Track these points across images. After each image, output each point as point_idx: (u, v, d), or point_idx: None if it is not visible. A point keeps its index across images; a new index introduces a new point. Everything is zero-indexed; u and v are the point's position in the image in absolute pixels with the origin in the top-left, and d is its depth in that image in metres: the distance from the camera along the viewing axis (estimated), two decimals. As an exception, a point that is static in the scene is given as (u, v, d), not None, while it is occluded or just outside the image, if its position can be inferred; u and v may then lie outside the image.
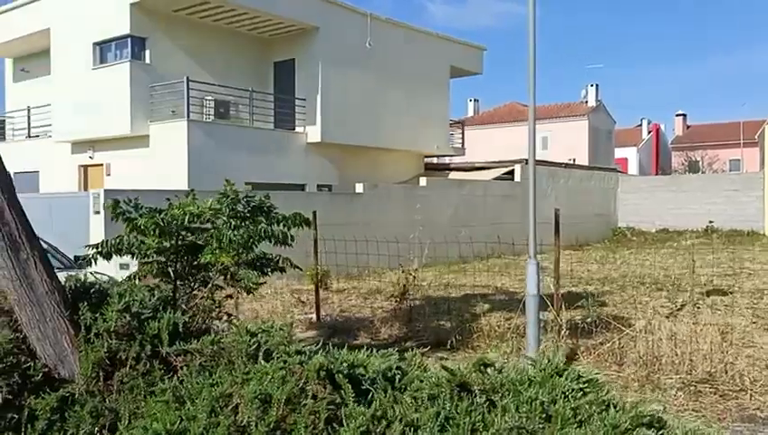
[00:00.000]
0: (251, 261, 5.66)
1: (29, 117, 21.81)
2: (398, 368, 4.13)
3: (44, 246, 8.73)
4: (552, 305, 7.38)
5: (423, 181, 19.40)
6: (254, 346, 4.55)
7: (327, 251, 11.86)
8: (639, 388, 6.17)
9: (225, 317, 6.55)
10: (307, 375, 3.87)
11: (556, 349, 7.22)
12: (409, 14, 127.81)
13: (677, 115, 64.65)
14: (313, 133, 19.81)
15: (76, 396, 4.49)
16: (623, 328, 7.22)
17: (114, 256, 5.86)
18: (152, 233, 5.73)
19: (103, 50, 18.57)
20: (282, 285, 12.45)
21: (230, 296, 6.50)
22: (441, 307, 9.94)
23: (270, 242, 5.70)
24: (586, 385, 3.85)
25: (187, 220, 5.51)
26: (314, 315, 9.66)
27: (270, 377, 3.97)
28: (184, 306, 5.62)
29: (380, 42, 20.91)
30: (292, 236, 5.77)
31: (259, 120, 19.13)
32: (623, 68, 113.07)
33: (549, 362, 3.95)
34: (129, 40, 17.69)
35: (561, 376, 3.83)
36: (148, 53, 18.05)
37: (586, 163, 38.25)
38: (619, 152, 51.51)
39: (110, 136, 18.37)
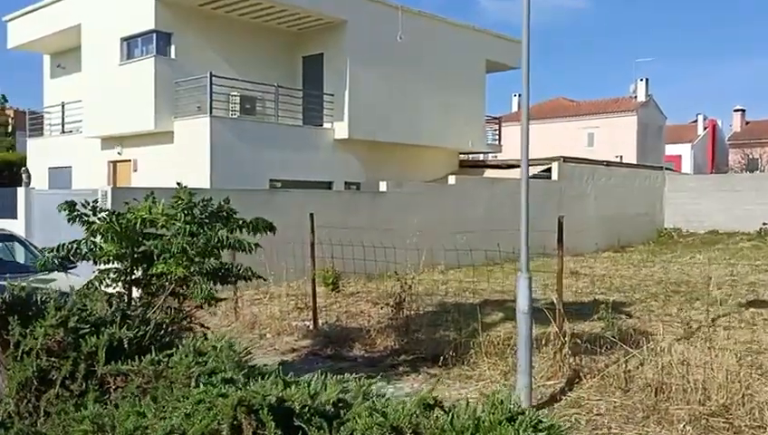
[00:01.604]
0: (209, 271, 5.21)
1: (63, 112, 21.99)
2: (340, 401, 3.65)
3: (33, 250, 8.52)
4: (555, 320, 6.73)
5: (452, 180, 18.67)
6: (192, 368, 4.15)
7: (355, 256, 11.42)
8: (643, 419, 5.46)
9: (198, 328, 6.15)
10: (223, 411, 3.40)
11: (557, 369, 6.60)
12: (462, 9, 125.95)
13: (736, 110, 61.79)
14: (341, 129, 19.34)
15: (2, 419, 4.15)
16: (630, 349, 6.50)
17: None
18: (110, 238, 5.37)
19: (130, 45, 18.48)
20: (295, 286, 12.05)
21: (200, 307, 6.08)
22: (448, 316, 9.33)
23: (228, 250, 5.24)
24: (544, 434, 3.28)
25: (139, 226, 5.12)
26: (312, 323, 9.18)
27: (191, 409, 3.52)
28: (139, 318, 5.24)
29: (412, 35, 20.18)
30: (252, 244, 5.29)
31: (287, 117, 18.75)
32: (679, 62, 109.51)
33: (501, 402, 3.38)
34: (154, 35, 17.53)
35: (513, 422, 3.26)
36: (173, 48, 17.86)
37: (634, 161, 36.85)
38: (673, 149, 49.66)
39: (135, 132, 18.31)
